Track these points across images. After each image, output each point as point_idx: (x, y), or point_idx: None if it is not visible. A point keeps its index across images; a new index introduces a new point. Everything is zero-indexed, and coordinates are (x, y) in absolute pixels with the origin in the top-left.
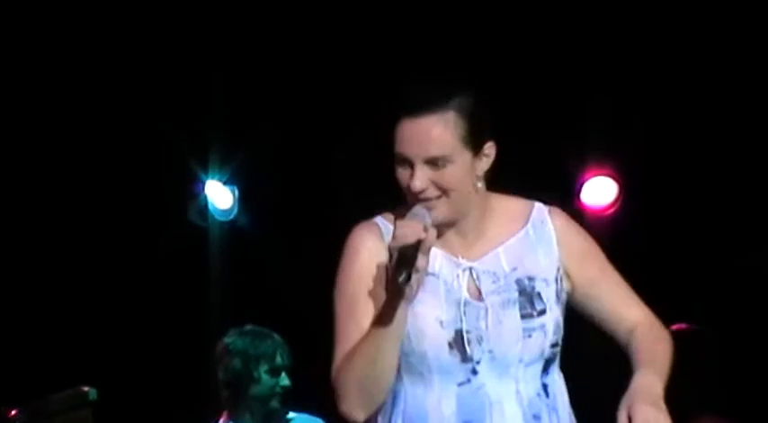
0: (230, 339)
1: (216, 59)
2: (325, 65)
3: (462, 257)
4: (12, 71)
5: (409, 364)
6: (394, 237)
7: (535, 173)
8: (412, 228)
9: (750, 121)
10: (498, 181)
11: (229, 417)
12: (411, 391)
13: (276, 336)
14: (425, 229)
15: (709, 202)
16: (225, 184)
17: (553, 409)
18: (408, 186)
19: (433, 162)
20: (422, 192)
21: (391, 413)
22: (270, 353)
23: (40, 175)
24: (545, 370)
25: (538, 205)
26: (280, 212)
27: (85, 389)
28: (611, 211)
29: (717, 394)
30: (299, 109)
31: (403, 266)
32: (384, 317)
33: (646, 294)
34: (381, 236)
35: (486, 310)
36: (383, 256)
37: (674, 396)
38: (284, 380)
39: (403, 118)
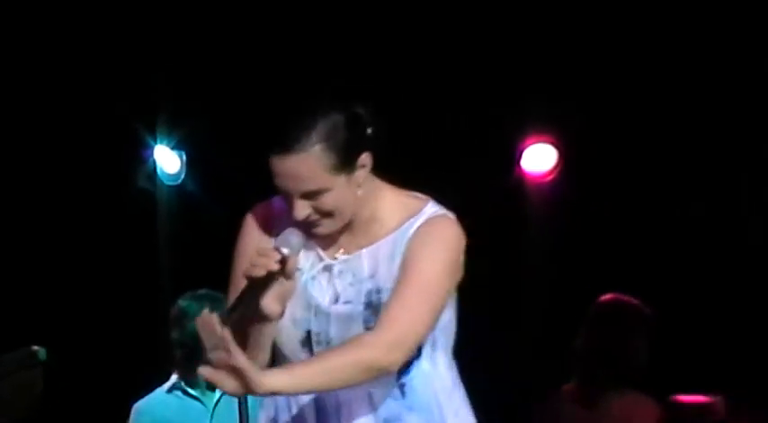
0: (186, 302)
1: (163, 27)
2: (267, 32)
3: (342, 251)
4: None
5: (275, 353)
6: (250, 263)
7: (477, 140)
8: (265, 258)
9: (682, 92)
10: (443, 149)
11: (180, 377)
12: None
13: (219, 295)
14: (283, 260)
15: (644, 168)
16: (173, 149)
17: (410, 408)
18: (294, 216)
19: (309, 196)
20: (306, 218)
21: (266, 403)
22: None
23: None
24: (402, 372)
25: (425, 209)
26: (225, 176)
27: (35, 348)
28: (551, 177)
29: (636, 361)
30: (245, 75)
31: (251, 293)
32: (253, 335)
33: (582, 256)
34: (273, 213)
35: (335, 317)
36: (268, 228)
37: (594, 362)
38: None
39: (273, 156)
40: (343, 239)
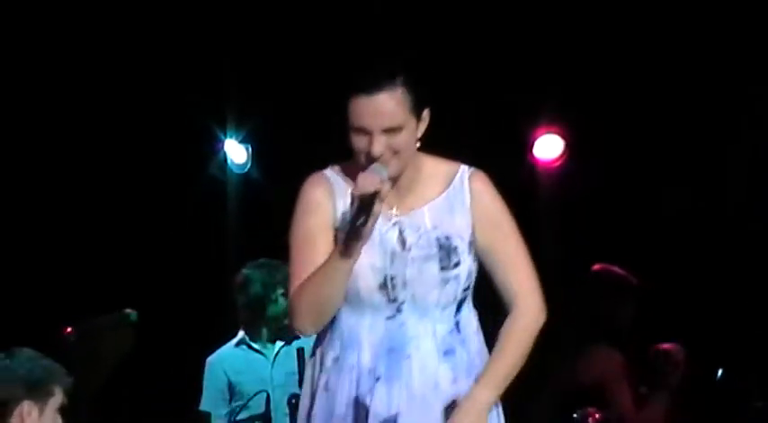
0: (249, 270)
1: (231, 37)
2: (322, 41)
3: (396, 209)
4: (45, 42)
5: (346, 298)
6: (357, 186)
7: (495, 130)
8: (372, 179)
9: (677, 93)
10: (464, 137)
11: (246, 333)
12: (346, 320)
13: (286, 266)
14: (382, 182)
15: (637, 157)
16: (240, 142)
17: (463, 342)
18: (368, 152)
19: (389, 131)
20: (379, 156)
21: (330, 338)
22: (283, 280)
23: (90, 135)
24: (458, 310)
25: (462, 169)
26: (287, 167)
27: (128, 311)
28: (558, 163)
29: (614, 326)
30: (303, 79)
31: (362, 211)
32: (340, 253)
33: (587, 231)
34: (330, 186)
35: (412, 260)
36: (329, 205)
37: (580, 325)
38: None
39: (359, 96)
40: (393, 203)
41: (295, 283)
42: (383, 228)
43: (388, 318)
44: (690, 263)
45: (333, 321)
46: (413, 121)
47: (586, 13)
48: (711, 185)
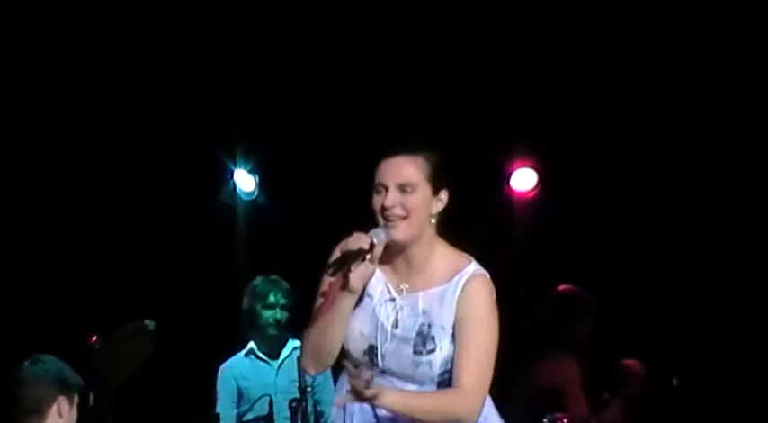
0: (251, 284)
1: (241, 77)
2: (331, 76)
3: (398, 289)
4: (62, 70)
5: (346, 354)
6: (346, 242)
7: (476, 166)
8: (361, 240)
9: (642, 127)
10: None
11: (255, 343)
12: (347, 373)
13: (282, 282)
14: (371, 245)
15: (608, 188)
16: (249, 172)
17: None
18: (382, 205)
19: (403, 188)
20: (391, 208)
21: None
22: (265, 293)
23: (112, 163)
24: (439, 387)
25: (466, 270)
26: (291, 195)
27: (147, 322)
28: (533, 194)
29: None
30: (308, 115)
31: (341, 264)
32: (334, 304)
33: (558, 256)
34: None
35: (393, 336)
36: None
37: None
38: (276, 314)
39: (384, 159)
40: (404, 279)
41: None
42: (379, 300)
43: (379, 374)
44: (653, 280)
45: (342, 375)
46: (428, 189)
47: (552, 57)
48: (672, 206)
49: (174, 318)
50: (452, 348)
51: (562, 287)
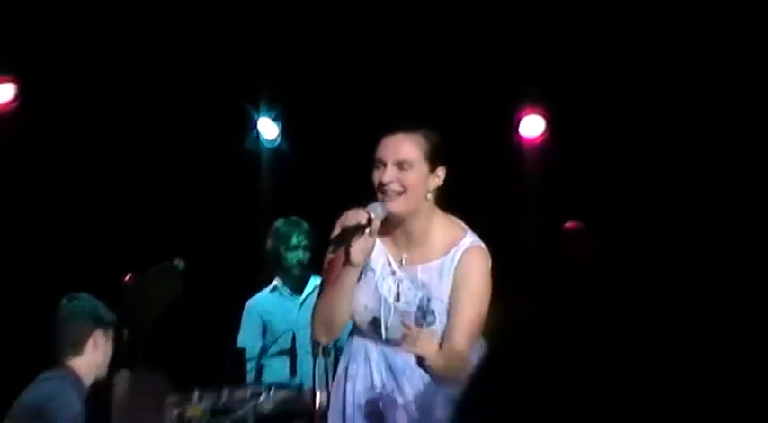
0: (274, 225)
1: (264, 29)
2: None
3: (398, 260)
4: (101, 37)
5: (353, 325)
6: (345, 217)
7: (486, 115)
8: (359, 215)
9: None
10: (460, 121)
11: (278, 282)
12: (356, 339)
13: (303, 223)
14: (369, 219)
15: (613, 133)
16: (273, 120)
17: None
18: (379, 181)
19: (400, 165)
20: (388, 184)
21: (346, 351)
22: (288, 235)
23: (146, 112)
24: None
25: (463, 243)
26: (311, 142)
27: (176, 261)
28: (541, 140)
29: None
30: (327, 66)
31: (342, 240)
32: (339, 279)
33: (562, 195)
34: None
35: (395, 310)
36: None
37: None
38: (299, 255)
39: (384, 135)
40: (403, 251)
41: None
42: (383, 274)
43: (382, 342)
44: (650, 217)
45: (348, 343)
46: (425, 166)
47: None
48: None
49: (203, 258)
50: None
51: (569, 224)
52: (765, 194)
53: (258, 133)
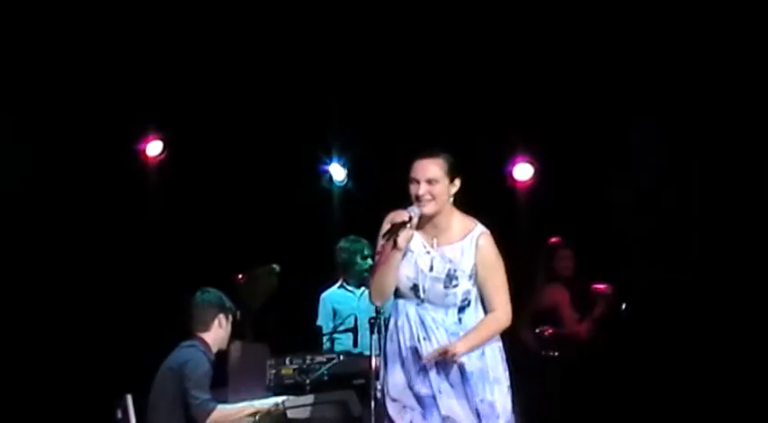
0: (342, 243)
1: (334, 93)
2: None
3: (430, 244)
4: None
5: (397, 290)
6: (393, 217)
7: (486, 163)
8: (402, 214)
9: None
10: (467, 170)
11: (343, 280)
12: (400, 300)
13: (363, 240)
14: (410, 218)
15: (587, 179)
16: (342, 165)
17: (464, 330)
18: (416, 194)
19: (429, 181)
20: (423, 195)
21: (395, 309)
22: (360, 248)
23: (257, 161)
24: (460, 311)
25: (476, 229)
26: (373, 182)
27: (274, 266)
28: (529, 183)
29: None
30: (389, 120)
31: (391, 232)
32: (388, 259)
33: (547, 226)
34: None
35: (430, 278)
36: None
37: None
38: (368, 262)
39: (416, 160)
40: (432, 237)
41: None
42: (420, 253)
43: (417, 305)
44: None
45: (395, 301)
46: (446, 179)
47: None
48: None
49: (292, 263)
50: (471, 284)
51: (552, 239)
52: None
53: (330, 175)
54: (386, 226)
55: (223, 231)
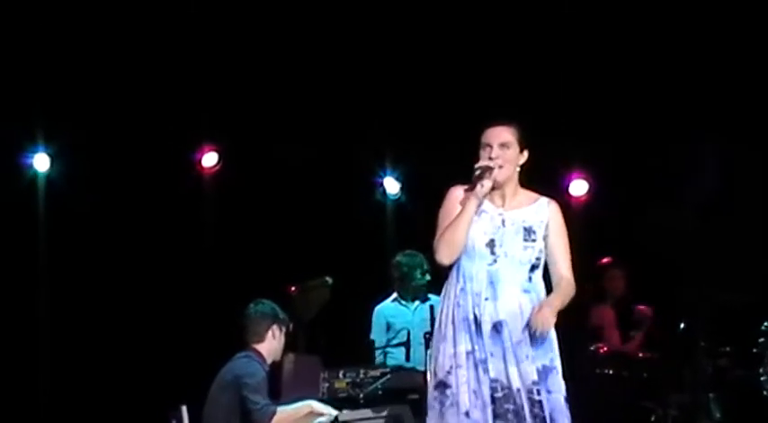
0: (399, 257)
1: (389, 106)
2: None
3: (503, 206)
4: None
5: (465, 251)
6: (479, 164)
7: (544, 178)
8: (487, 162)
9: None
10: (529, 181)
11: (398, 294)
12: (465, 265)
13: (420, 255)
14: (492, 166)
15: (642, 198)
16: (396, 179)
17: (534, 288)
18: (489, 157)
19: (502, 145)
20: (496, 158)
21: (456, 277)
22: (420, 263)
23: (286, 184)
24: (531, 269)
25: (544, 198)
26: (424, 194)
27: (327, 278)
28: (585, 199)
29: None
30: (444, 135)
31: (480, 176)
32: (465, 208)
33: (600, 242)
34: (460, 192)
35: (507, 232)
36: (458, 201)
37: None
38: (426, 277)
39: (490, 126)
40: (503, 202)
41: (437, 236)
42: (493, 214)
43: (489, 264)
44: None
45: (457, 268)
46: (517, 148)
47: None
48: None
49: (345, 277)
50: (542, 245)
51: (604, 259)
52: None
53: (384, 189)
54: (476, 171)
55: (276, 243)
